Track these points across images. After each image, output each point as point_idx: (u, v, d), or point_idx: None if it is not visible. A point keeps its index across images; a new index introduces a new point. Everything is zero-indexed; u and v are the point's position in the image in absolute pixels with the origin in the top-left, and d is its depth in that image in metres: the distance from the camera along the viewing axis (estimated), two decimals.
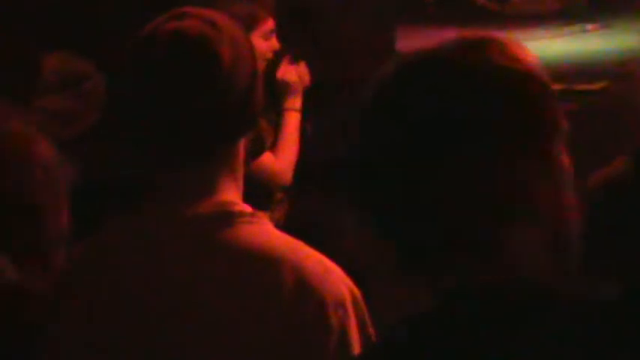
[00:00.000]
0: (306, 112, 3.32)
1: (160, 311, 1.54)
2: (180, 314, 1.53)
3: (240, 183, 1.65)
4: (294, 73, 3.30)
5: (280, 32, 3.27)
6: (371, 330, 1.57)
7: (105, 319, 1.58)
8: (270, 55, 3.16)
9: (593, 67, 4.63)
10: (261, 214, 1.64)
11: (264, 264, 1.53)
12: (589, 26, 5.25)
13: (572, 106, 3.89)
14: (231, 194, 1.61)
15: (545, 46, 5.37)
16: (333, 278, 1.56)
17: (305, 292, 1.51)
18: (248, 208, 1.60)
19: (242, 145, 1.64)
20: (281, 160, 3.20)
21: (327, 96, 3.63)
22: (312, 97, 3.38)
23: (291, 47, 3.36)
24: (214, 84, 1.54)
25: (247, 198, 1.67)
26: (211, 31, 1.55)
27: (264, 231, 1.59)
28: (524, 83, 1.18)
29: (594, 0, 5.68)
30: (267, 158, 3.14)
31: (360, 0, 4.23)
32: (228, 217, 1.57)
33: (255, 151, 3.10)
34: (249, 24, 3.02)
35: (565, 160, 1.20)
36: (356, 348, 1.52)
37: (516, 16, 5.78)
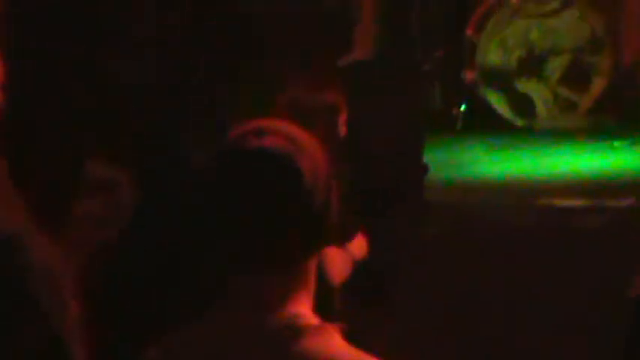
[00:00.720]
0: None
1: None
2: None
3: (312, 294, 1.69)
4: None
5: None
6: None
7: None
8: None
9: (621, 182, 4.72)
10: (329, 326, 1.66)
11: None
12: (617, 142, 5.34)
13: (603, 221, 3.94)
14: (303, 307, 1.65)
15: (573, 161, 5.46)
16: None
17: None
18: (317, 321, 1.64)
19: (316, 258, 1.71)
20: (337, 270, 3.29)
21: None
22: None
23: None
24: (296, 199, 1.62)
25: None
26: (293, 149, 1.63)
27: (330, 345, 1.63)
28: None
29: (622, 117, 5.79)
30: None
31: (389, 110, 4.34)
32: (297, 330, 1.61)
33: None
34: (337, 111, 3.16)
35: None
36: None
37: (543, 131, 5.86)
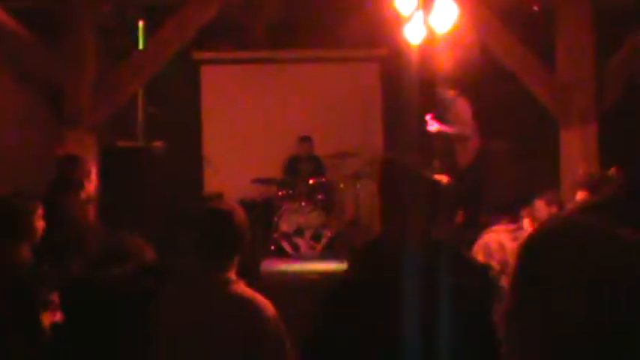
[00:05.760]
0: None
1: (196, 335, 2.68)
2: (204, 334, 2.67)
3: (237, 269, 2.74)
4: None
5: None
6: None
7: (173, 338, 2.75)
8: None
9: None
10: (240, 281, 2.75)
11: (245, 305, 2.71)
12: None
13: None
14: (233, 275, 2.72)
15: None
16: (269, 308, 2.72)
17: (261, 316, 2.69)
18: (236, 278, 2.74)
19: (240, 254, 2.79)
20: None
21: None
22: None
23: None
24: (232, 231, 2.74)
25: None
26: (230, 208, 2.75)
27: (242, 288, 2.74)
28: None
29: None
30: None
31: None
32: (228, 281, 2.71)
33: None
34: None
35: None
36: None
37: None
